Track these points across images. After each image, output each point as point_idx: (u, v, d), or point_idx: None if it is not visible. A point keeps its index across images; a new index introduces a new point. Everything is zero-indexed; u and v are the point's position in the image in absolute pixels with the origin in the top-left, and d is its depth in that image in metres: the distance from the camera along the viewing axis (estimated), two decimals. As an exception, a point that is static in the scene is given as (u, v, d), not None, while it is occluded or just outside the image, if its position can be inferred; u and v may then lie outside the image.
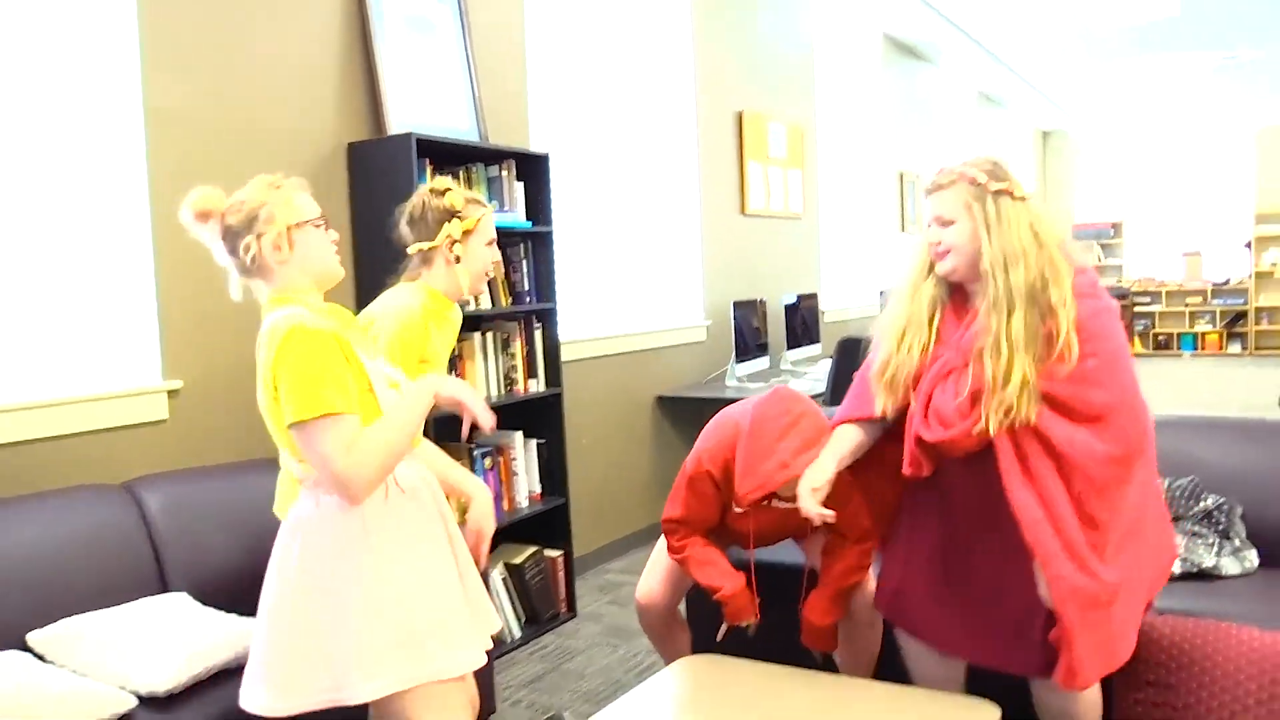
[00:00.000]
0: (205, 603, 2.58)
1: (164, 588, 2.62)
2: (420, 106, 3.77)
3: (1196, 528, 2.86)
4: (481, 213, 2.52)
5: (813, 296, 6.41)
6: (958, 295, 2.25)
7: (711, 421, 2.66)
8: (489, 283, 3.70)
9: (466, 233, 2.47)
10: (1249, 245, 13.81)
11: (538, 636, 3.82)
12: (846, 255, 7.84)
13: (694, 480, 2.58)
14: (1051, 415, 2.05)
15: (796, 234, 6.84)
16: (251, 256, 1.86)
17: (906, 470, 2.22)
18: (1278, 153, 13.80)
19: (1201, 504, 2.89)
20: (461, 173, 3.68)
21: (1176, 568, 2.76)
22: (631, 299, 5.22)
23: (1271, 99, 12.65)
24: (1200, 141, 14.43)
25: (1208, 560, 2.75)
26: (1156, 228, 14.72)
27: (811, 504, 2.19)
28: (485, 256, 2.54)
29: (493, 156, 3.81)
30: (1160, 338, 14.37)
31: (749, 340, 5.54)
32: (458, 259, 2.47)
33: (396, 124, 3.62)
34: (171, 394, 2.95)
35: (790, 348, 6.01)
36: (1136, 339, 14.32)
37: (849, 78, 7.95)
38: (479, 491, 2.27)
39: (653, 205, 5.40)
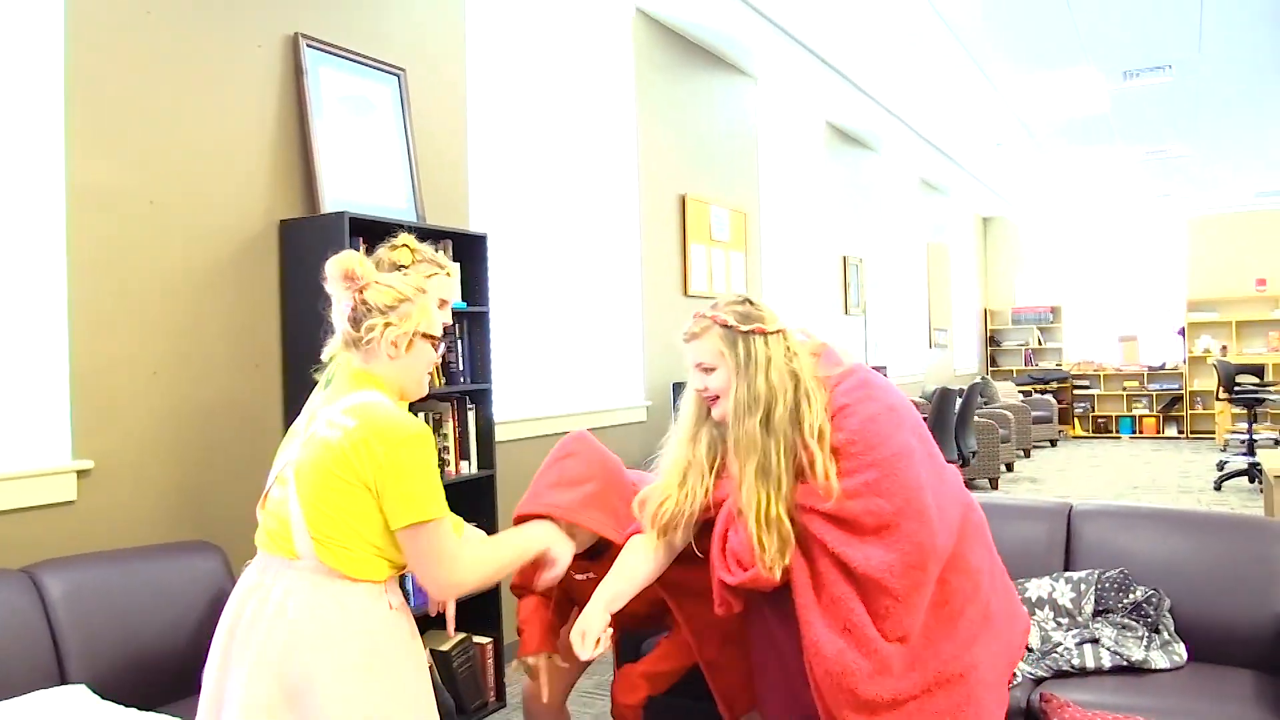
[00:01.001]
0: (105, 696, 2.46)
1: (62, 679, 2.50)
2: (356, 185, 3.75)
3: (1126, 620, 2.85)
4: (433, 270, 2.52)
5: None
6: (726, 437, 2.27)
7: None
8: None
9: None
10: (1182, 331, 14.18)
11: (463, 728, 3.69)
12: (789, 336, 7.88)
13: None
14: (841, 535, 2.03)
15: (739, 315, 6.86)
16: (370, 340, 1.91)
17: (719, 610, 2.20)
18: (1207, 242, 14.27)
19: (1131, 596, 2.89)
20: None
21: (1106, 660, 2.74)
22: (571, 378, 5.19)
23: (1200, 190, 13.11)
24: (1135, 229, 14.87)
25: (1137, 654, 2.73)
26: (1094, 312, 15.07)
27: (580, 647, 2.16)
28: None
29: (429, 236, 3.77)
30: (1099, 420, 14.62)
31: (689, 421, 5.52)
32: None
33: (330, 202, 3.60)
34: (81, 474, 2.84)
35: (731, 429, 5.99)
36: (1076, 421, 14.55)
37: (792, 163, 8.09)
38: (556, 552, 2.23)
39: (594, 285, 5.41)
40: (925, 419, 8.05)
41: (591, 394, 5.30)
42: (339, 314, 1.96)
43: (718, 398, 2.17)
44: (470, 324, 3.88)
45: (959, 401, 8.27)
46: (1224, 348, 13.87)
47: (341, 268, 1.93)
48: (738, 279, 6.80)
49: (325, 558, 1.83)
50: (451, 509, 3.68)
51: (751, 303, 2.21)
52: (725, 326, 2.15)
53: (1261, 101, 8.57)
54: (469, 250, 3.89)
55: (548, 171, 5.07)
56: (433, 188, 4.17)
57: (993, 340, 15.46)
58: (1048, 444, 13.09)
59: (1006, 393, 12.87)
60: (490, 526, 3.89)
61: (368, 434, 1.82)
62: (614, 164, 5.58)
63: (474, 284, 3.88)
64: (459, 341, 3.84)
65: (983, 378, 12.84)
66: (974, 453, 8.62)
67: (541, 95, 5.03)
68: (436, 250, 2.64)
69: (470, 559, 1.91)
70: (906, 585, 1.99)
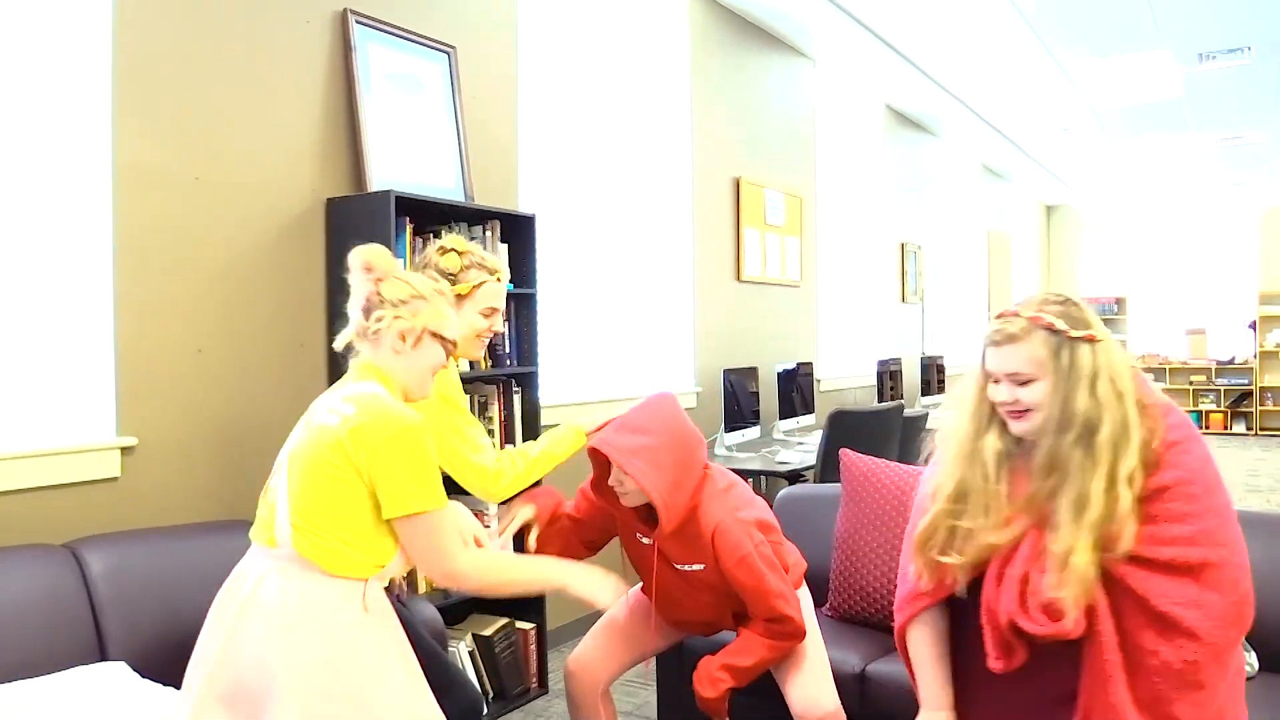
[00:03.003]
0: (144, 674, 2.45)
1: (102, 656, 2.49)
2: (403, 164, 3.71)
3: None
4: (482, 278, 2.45)
5: (809, 365, 6.31)
6: (1023, 449, 1.95)
7: None
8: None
9: (460, 297, 2.39)
10: (1253, 325, 13.73)
11: (505, 713, 3.65)
12: (845, 325, 7.76)
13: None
14: (1171, 584, 1.76)
15: (793, 302, 6.76)
16: (377, 330, 1.93)
17: (996, 664, 1.86)
18: (1281, 233, 13.81)
19: (1198, 599, 2.75)
20: (444, 232, 3.61)
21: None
22: (620, 362, 5.12)
23: (1275, 180, 12.66)
24: (1205, 220, 14.43)
25: (1204, 660, 2.60)
26: (1160, 304, 14.66)
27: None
28: (476, 324, 2.47)
29: (477, 216, 3.74)
30: (1164, 415, 14.20)
31: (741, 408, 5.43)
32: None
33: (377, 181, 3.56)
34: (125, 450, 2.84)
35: (783, 417, 5.89)
36: (1140, 416, 14.15)
37: (850, 147, 7.94)
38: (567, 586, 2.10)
39: (645, 268, 5.33)
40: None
41: (640, 379, 5.23)
42: (354, 304, 1.97)
43: (1028, 411, 1.86)
44: (518, 306, 3.83)
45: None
46: (1297, 342, 13.41)
47: (363, 259, 1.94)
48: (792, 264, 6.69)
49: (301, 547, 1.80)
50: (496, 494, 3.66)
51: (1074, 303, 1.88)
52: (1051, 330, 1.83)
53: (1344, 86, 8.22)
54: (517, 231, 3.83)
55: (599, 153, 5.00)
56: (481, 168, 4.12)
57: (1054, 331, 15.08)
58: (1110, 438, 12.75)
59: (1068, 385, 12.56)
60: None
61: (366, 421, 1.80)
62: (667, 145, 5.49)
63: (522, 265, 3.83)
64: (507, 324, 3.80)
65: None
66: (1033, 446, 8.41)
67: (594, 75, 4.95)
68: (488, 250, 2.57)
69: (473, 560, 1.89)
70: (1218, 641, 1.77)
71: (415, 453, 1.81)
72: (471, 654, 3.57)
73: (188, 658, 2.68)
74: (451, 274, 2.40)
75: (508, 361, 3.80)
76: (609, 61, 5.06)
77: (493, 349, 3.77)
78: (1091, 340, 1.84)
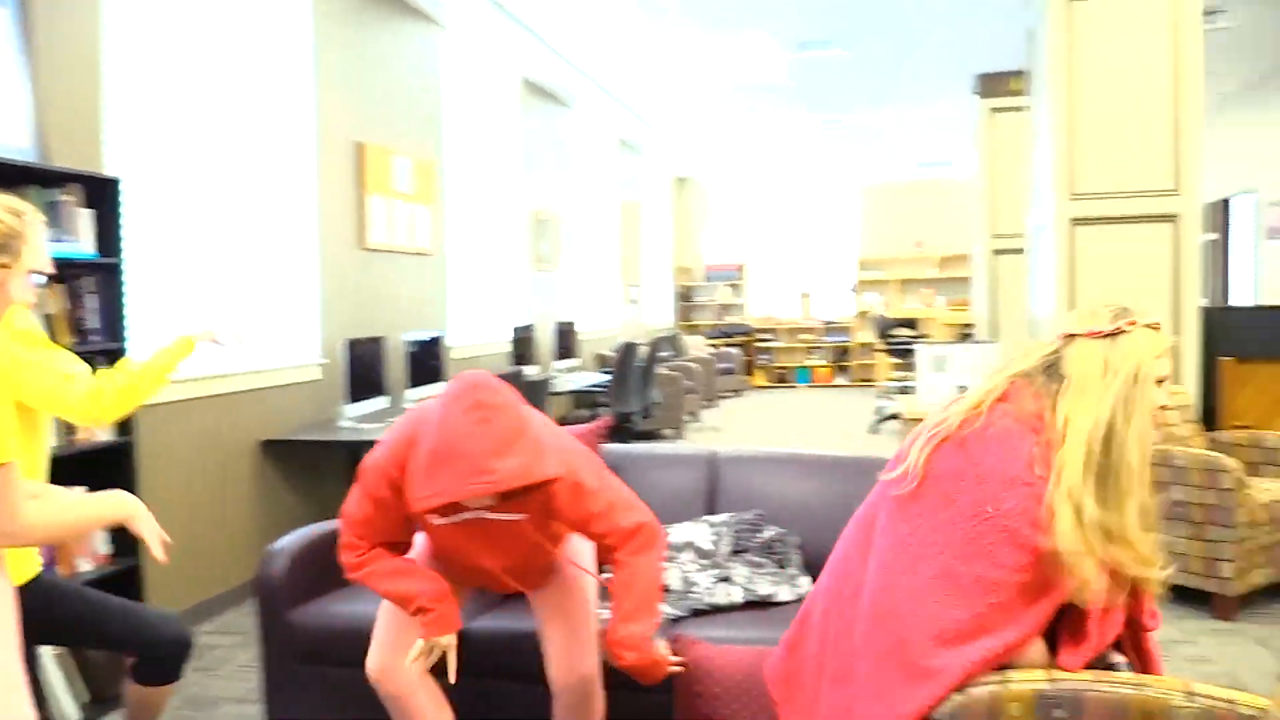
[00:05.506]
0: None
1: None
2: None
3: (759, 558, 3.06)
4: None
5: (439, 334, 6.34)
6: None
7: (407, 412, 2.39)
8: (47, 319, 3.30)
9: None
10: (854, 288, 15.46)
11: (103, 717, 3.40)
12: (479, 293, 7.85)
13: (370, 481, 2.29)
14: None
15: (424, 270, 6.74)
16: None
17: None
18: (877, 206, 15.63)
19: (763, 535, 3.10)
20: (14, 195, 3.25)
21: (738, 596, 2.93)
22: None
23: (873, 161, 14.28)
24: (814, 193, 16.01)
25: (765, 589, 2.94)
26: (777, 270, 16.11)
27: None
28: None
29: (54, 179, 3.41)
30: (779, 371, 15.68)
31: (368, 378, 5.36)
32: None
33: (-79, 136, 3.15)
34: None
35: (414, 386, 5.89)
36: (759, 372, 15.52)
37: (484, 116, 8.00)
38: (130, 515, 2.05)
39: (263, 235, 5.10)
40: (610, 373, 8.22)
41: (259, 352, 5.01)
42: None
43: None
44: (103, 278, 3.54)
45: (644, 355, 8.57)
46: (885, 303, 15.25)
47: None
48: (423, 232, 6.66)
49: None
50: (83, 481, 3.39)
51: None
52: None
53: (916, 80, 9.40)
54: (101, 195, 3.54)
55: (211, 116, 4.70)
56: (61, 127, 3.75)
57: (685, 296, 16.14)
58: (733, 394, 13.88)
59: (696, 347, 13.51)
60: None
61: None
62: (287, 108, 5.26)
63: (107, 232, 3.54)
64: (91, 296, 3.50)
65: (674, 333, 13.40)
66: (657, 404, 8.97)
67: (203, 33, 4.64)
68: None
69: (35, 512, 1.79)
70: None
71: None
72: (58, 659, 3.30)
73: None
74: None
75: (94, 338, 3.51)
76: (220, 18, 4.75)
77: (77, 324, 3.46)
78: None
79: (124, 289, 3.57)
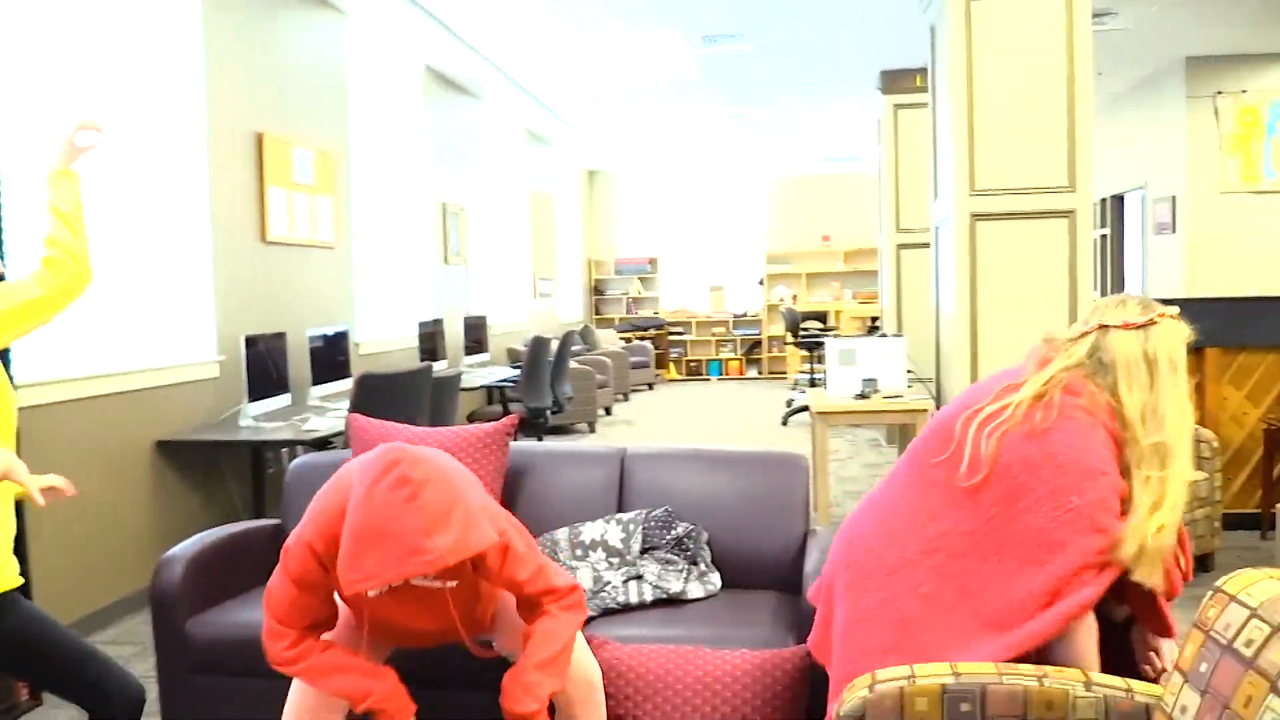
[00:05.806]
0: None
1: None
2: None
3: (669, 555, 3.04)
4: None
5: (345, 329, 6.19)
6: None
7: (326, 483, 2.21)
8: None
9: None
10: (761, 282, 15.60)
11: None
12: (385, 287, 7.70)
13: (294, 562, 2.11)
14: None
15: (329, 264, 6.58)
16: None
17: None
18: (785, 201, 15.79)
19: (673, 532, 3.09)
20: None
21: (649, 595, 2.91)
22: (126, 332, 4.69)
23: (781, 154, 14.42)
24: (724, 187, 16.10)
25: (676, 586, 2.93)
26: (687, 263, 16.17)
27: None
28: None
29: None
30: (691, 364, 15.76)
31: (268, 375, 5.21)
32: None
33: None
34: None
35: (317, 383, 5.74)
36: (671, 365, 15.58)
37: (389, 106, 7.84)
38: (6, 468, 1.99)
39: (153, 230, 4.91)
40: (521, 367, 8.15)
41: (150, 349, 4.83)
42: None
43: None
44: (-20, 272, 3.36)
45: (556, 349, 8.51)
46: (794, 296, 15.43)
47: None
48: (325, 225, 6.50)
49: None
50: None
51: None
52: None
53: (822, 76, 9.50)
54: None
55: (96, 105, 4.49)
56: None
57: (597, 290, 16.11)
58: (645, 387, 13.90)
59: (608, 340, 13.49)
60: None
61: None
62: (175, 97, 5.07)
63: (-16, 226, 3.36)
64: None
65: (585, 326, 13.36)
66: (569, 398, 8.93)
67: (84, 19, 4.43)
68: None
69: None
70: None
71: None
72: (-66, 671, 3.12)
73: None
74: None
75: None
76: (101, 3, 4.55)
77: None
78: None
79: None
